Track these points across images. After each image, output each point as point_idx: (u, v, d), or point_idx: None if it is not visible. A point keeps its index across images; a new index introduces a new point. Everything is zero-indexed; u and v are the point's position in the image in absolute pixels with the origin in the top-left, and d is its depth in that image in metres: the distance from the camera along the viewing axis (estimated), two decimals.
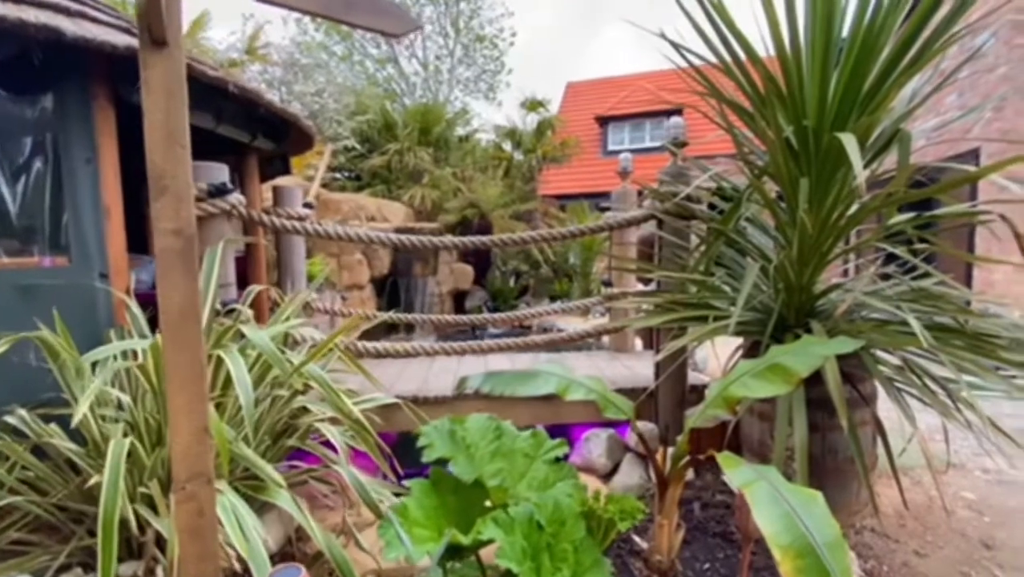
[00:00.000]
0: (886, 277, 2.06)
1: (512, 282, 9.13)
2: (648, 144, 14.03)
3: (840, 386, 1.49)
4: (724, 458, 1.30)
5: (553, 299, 8.64)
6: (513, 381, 1.51)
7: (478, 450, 1.82)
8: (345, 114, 9.07)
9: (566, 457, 1.76)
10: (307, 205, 3.60)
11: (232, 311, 2.27)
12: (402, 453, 3.23)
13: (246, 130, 3.06)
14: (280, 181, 4.24)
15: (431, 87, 16.53)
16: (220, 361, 1.83)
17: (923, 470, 2.43)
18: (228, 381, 1.87)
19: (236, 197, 2.47)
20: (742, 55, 1.94)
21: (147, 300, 1.81)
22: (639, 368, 3.18)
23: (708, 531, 2.05)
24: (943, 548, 1.93)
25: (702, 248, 2.37)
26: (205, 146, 2.49)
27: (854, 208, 1.75)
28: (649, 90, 14.12)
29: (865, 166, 1.77)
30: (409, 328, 7.29)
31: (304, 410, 2.11)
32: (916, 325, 1.44)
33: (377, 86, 14.44)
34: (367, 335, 6.53)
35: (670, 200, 2.49)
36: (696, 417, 1.55)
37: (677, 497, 1.66)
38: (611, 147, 14.38)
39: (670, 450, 1.56)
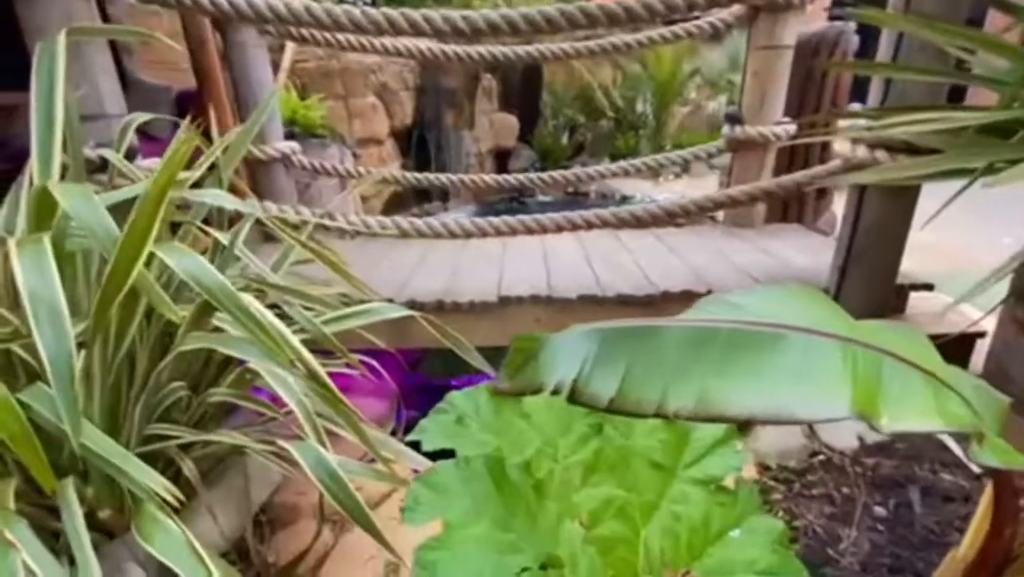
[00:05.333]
0: None
1: (565, 139, 7.61)
2: None
3: None
4: None
5: (614, 158, 7.17)
6: (705, 358, 0.46)
7: (557, 456, 0.89)
8: None
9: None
10: None
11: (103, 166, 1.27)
12: (428, 364, 2.39)
13: None
14: None
15: None
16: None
17: None
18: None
19: None
20: None
21: None
22: (786, 254, 2.05)
23: (947, 544, 1.12)
24: None
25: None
26: None
27: None
28: None
29: None
30: (444, 195, 6.22)
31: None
32: None
33: None
34: (393, 205, 5.51)
35: None
36: None
37: None
38: None
39: None
